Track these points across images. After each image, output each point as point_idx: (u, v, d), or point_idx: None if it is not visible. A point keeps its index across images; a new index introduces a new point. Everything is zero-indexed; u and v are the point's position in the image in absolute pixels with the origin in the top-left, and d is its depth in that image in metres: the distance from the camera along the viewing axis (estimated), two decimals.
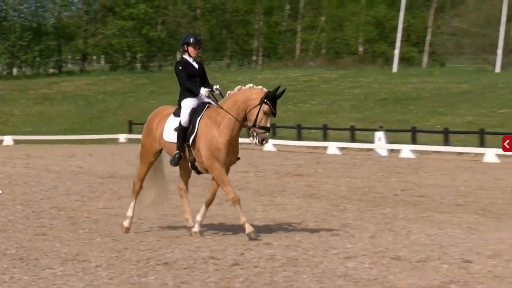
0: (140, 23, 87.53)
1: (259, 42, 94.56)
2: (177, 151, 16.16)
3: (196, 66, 16.53)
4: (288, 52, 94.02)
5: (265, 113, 15.66)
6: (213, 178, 16.16)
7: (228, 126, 15.85)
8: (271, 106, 15.66)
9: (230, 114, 15.80)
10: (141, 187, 17.12)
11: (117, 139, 56.31)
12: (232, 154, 16.01)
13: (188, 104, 16.20)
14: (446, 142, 43.15)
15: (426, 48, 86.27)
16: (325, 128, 49.74)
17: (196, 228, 16.26)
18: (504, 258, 13.85)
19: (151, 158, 16.86)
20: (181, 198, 16.86)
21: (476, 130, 43.70)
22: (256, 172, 31.37)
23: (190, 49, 16.53)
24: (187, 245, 15.38)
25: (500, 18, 64.46)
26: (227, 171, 16.07)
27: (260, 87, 15.98)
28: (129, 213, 17.03)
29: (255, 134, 15.72)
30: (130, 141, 54.92)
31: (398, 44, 71.38)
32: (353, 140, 47.45)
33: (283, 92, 15.84)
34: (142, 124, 51.02)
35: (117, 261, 14.00)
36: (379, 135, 44.29)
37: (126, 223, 16.96)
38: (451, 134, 43.96)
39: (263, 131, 15.69)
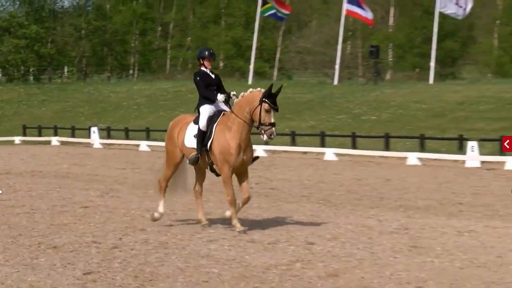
0: (33, 41, 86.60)
1: (135, 58, 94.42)
2: (196, 153, 15.40)
3: (213, 76, 15.83)
4: (160, 67, 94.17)
5: (266, 111, 14.93)
6: (241, 179, 15.33)
7: (238, 130, 15.12)
8: (270, 103, 14.92)
9: (239, 118, 15.09)
10: (166, 186, 16.23)
11: (13, 141, 55.30)
12: (245, 155, 15.19)
13: (206, 110, 15.45)
14: (293, 143, 43.60)
15: (276, 64, 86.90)
16: None
17: (235, 224, 15.13)
18: (341, 240, 14.03)
19: (175, 162, 15.96)
20: (196, 199, 16.10)
21: (318, 132, 44.31)
22: (133, 168, 31.18)
23: (206, 62, 15.82)
24: (73, 231, 15.21)
25: (338, 39, 65.29)
26: (243, 171, 15.30)
27: (259, 88, 15.33)
28: (161, 209, 16.02)
29: (263, 132, 15.04)
30: (24, 142, 54.18)
31: (252, 60, 71.71)
32: None
33: (280, 88, 15.11)
34: (35, 128, 49.22)
35: (12, 245, 13.78)
36: None
37: (156, 215, 16.02)
38: (297, 136, 44.46)
39: (268, 127, 14.97)
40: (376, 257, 12.47)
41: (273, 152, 42.00)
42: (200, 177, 16.18)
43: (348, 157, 38.37)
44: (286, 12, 67.79)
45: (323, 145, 41.78)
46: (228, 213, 15.53)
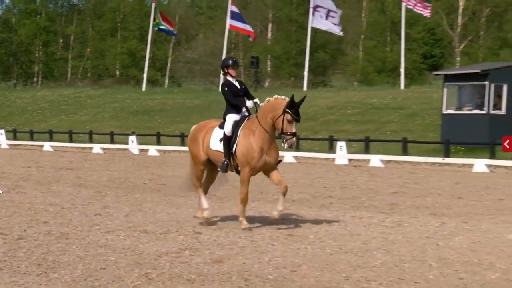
0: None
1: (39, 67, 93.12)
2: (224, 159, 14.44)
3: (238, 85, 14.79)
4: (62, 75, 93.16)
5: (288, 121, 13.95)
6: (271, 175, 14.38)
7: (260, 134, 14.14)
8: (292, 114, 13.95)
9: (260, 125, 14.13)
10: (201, 183, 15.17)
11: None
12: (268, 156, 14.20)
13: (231, 117, 14.49)
14: (183, 144, 43.51)
15: (167, 72, 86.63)
16: (91, 133, 49.24)
17: (275, 215, 14.36)
18: (225, 230, 14.02)
19: (200, 163, 14.96)
20: (198, 194, 15.20)
21: None
22: (37, 167, 30.61)
23: (230, 70, 14.80)
24: None
25: (222, 50, 65.43)
26: (271, 170, 14.28)
27: (283, 96, 14.26)
28: (205, 205, 14.91)
29: (284, 140, 14.03)
30: None
31: (146, 69, 71.31)
32: (112, 142, 47.15)
33: (303, 99, 14.12)
34: None
35: None
36: (132, 138, 44.27)
37: (206, 214, 14.81)
38: (186, 137, 44.36)
39: (290, 136, 13.99)
40: (256, 244, 12.50)
41: (165, 151, 41.88)
42: (209, 180, 15.30)
43: None
44: (171, 28, 68.34)
45: None
46: (275, 213, 14.38)
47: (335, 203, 18.50)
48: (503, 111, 35.80)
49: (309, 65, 61.31)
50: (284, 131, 14.00)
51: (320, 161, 35.42)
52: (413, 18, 67.72)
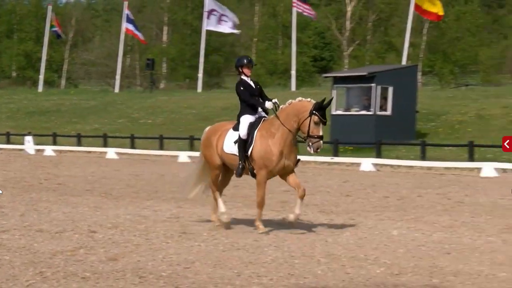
0: None
1: None
2: (239, 162, 13.59)
3: (253, 85, 13.95)
4: None
5: (315, 123, 13.11)
6: (289, 179, 13.58)
7: (282, 137, 13.28)
8: (320, 116, 13.14)
9: (284, 126, 13.27)
10: (217, 188, 14.27)
11: None
12: (288, 160, 13.38)
13: (246, 119, 13.64)
14: (79, 144, 42.96)
15: (64, 74, 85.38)
16: None
17: (291, 218, 13.55)
18: (120, 229, 13.88)
19: (215, 167, 14.09)
20: (215, 199, 14.35)
21: (101, 134, 43.92)
22: None
23: (245, 69, 13.89)
24: None
25: (118, 53, 64.81)
26: (289, 173, 13.51)
27: (309, 99, 13.48)
28: (222, 209, 14.10)
29: (310, 144, 13.16)
30: None
31: (42, 71, 70.17)
32: (8, 142, 46.22)
33: (330, 101, 13.40)
34: None
35: None
36: (28, 139, 43.46)
37: (225, 218, 14.07)
38: (83, 137, 43.88)
39: (316, 139, 13.14)
40: (150, 242, 12.42)
41: (61, 151, 41.27)
42: (223, 183, 14.50)
43: (128, 156, 38.21)
44: (60, 31, 68.48)
45: (105, 145, 41.46)
46: (291, 216, 13.56)
47: (228, 202, 18.44)
48: (388, 112, 36.51)
49: (204, 67, 61.31)
50: (311, 134, 13.15)
51: None
52: (304, 22, 68.45)
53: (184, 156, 36.17)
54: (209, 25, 58.16)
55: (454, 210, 16.88)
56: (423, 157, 31.54)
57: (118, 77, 64.58)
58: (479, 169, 28.06)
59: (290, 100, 13.51)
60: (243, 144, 13.51)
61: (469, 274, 10.01)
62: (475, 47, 69.04)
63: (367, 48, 74.85)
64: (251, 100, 13.74)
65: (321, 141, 13.21)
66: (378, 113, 36.31)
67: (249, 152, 13.44)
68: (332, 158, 33.30)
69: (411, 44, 55.73)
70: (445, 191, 21.33)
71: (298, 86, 58.28)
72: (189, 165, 32.71)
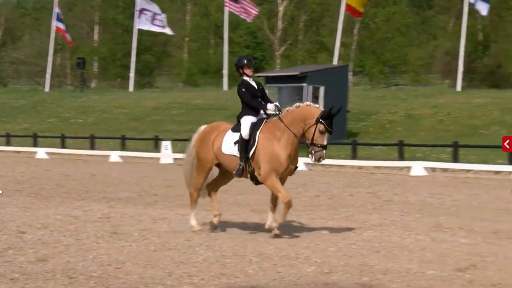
0: None
1: None
2: (240, 163, 13.10)
3: (255, 86, 13.44)
4: None
5: (321, 132, 12.67)
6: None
7: (288, 141, 12.82)
8: (326, 126, 12.65)
9: (290, 130, 12.82)
10: (198, 196, 13.91)
11: None
12: (292, 164, 13.05)
13: (248, 120, 13.16)
14: (8, 143, 42.39)
15: None
16: None
17: (276, 231, 12.98)
18: (50, 229, 13.73)
19: (207, 169, 13.64)
20: (212, 200, 13.95)
21: (30, 134, 43.39)
22: None
23: (246, 70, 13.38)
24: None
25: (48, 51, 64.04)
26: (283, 180, 13.19)
27: (317, 105, 13.07)
28: (194, 223, 13.68)
29: (312, 152, 12.77)
30: None
31: None
32: None
33: (339, 110, 12.75)
34: None
35: None
36: None
37: (194, 230, 13.56)
38: (12, 137, 43.30)
39: (319, 149, 12.74)
40: (81, 243, 12.31)
41: None
42: (220, 181, 14.06)
43: (58, 156, 37.81)
44: None
45: (35, 145, 40.96)
46: (274, 224, 13.07)
47: (160, 201, 18.47)
48: None
49: (136, 67, 60.94)
50: (315, 142, 12.75)
51: (146, 161, 35.26)
52: (236, 22, 68.46)
53: (115, 155, 35.94)
54: (140, 24, 57.82)
55: (384, 209, 17.07)
56: (354, 156, 31.83)
57: (48, 76, 63.78)
58: (408, 168, 28.42)
59: (297, 103, 13.10)
60: (245, 144, 13.07)
61: (398, 272, 10.13)
62: (404, 47, 69.90)
63: (299, 48, 75.22)
64: (253, 102, 13.27)
65: (324, 151, 12.85)
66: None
67: (251, 154, 13.01)
68: None
69: (342, 44, 56.18)
70: (375, 190, 21.55)
71: (230, 85, 58.29)
72: (120, 164, 32.51)
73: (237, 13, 54.76)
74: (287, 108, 13.05)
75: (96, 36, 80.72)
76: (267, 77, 39.42)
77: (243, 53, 75.21)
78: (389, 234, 13.36)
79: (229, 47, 59.06)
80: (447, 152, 30.93)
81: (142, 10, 57.39)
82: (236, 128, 13.29)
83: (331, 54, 52.62)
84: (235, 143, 13.18)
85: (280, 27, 75.07)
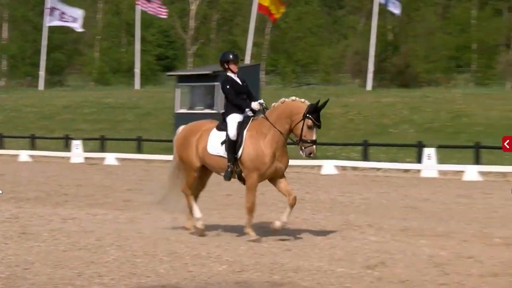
0: None
1: None
2: (228, 164, 12.58)
3: (240, 82, 12.91)
4: None
5: (309, 127, 12.24)
6: (279, 184, 12.73)
7: (273, 139, 12.40)
8: (314, 120, 12.23)
9: (275, 128, 12.40)
10: (192, 192, 13.22)
11: None
12: (280, 163, 12.54)
13: (234, 118, 12.64)
14: None
15: None
16: None
17: (277, 225, 12.66)
18: None
19: (194, 169, 13.06)
20: (190, 204, 13.28)
21: None
22: None
23: (231, 65, 12.89)
24: None
25: None
26: (280, 177, 12.68)
27: (303, 100, 12.49)
28: (198, 214, 13.08)
29: (302, 148, 12.35)
30: None
31: None
32: None
33: (325, 103, 12.29)
34: None
35: None
36: None
37: (199, 225, 13.06)
38: None
39: (309, 144, 12.30)
40: None
41: None
42: (200, 185, 13.47)
43: None
44: None
45: None
46: (277, 224, 12.66)
47: (70, 201, 18.24)
48: None
49: (46, 65, 60.05)
50: (304, 138, 12.34)
51: (56, 160, 34.82)
52: (148, 21, 68.04)
53: (24, 155, 35.38)
54: (51, 21, 57.02)
55: (296, 207, 17.09)
56: None
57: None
58: (319, 166, 28.68)
59: (283, 99, 12.66)
60: (233, 145, 12.55)
61: (309, 270, 10.21)
62: (315, 47, 70.57)
63: (211, 47, 75.22)
64: (236, 100, 12.77)
65: (314, 146, 12.43)
66: (222, 111, 36.51)
67: (239, 154, 12.53)
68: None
69: (255, 44, 56.40)
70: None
71: (142, 84, 57.97)
72: (30, 164, 32.03)
73: (149, 11, 54.45)
74: (273, 104, 12.67)
75: (5, 34, 79.25)
76: (179, 76, 39.34)
77: (155, 52, 74.99)
78: (300, 232, 13.45)
79: (141, 46, 58.75)
80: (357, 150, 31.33)
81: (52, 8, 56.62)
82: (222, 127, 12.79)
83: (243, 53, 52.73)
84: (222, 143, 12.68)
85: (192, 26, 74.96)
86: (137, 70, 56.72)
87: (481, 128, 36.60)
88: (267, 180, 12.87)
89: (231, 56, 13.03)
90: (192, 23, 74.89)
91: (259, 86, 39.43)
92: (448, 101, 42.21)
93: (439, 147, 28.65)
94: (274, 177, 12.70)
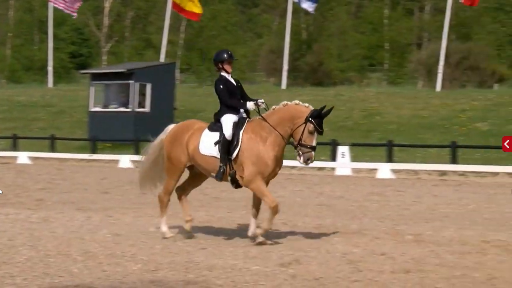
0: None
1: None
2: (220, 164, 12.08)
3: (234, 82, 12.40)
4: None
5: (310, 132, 11.86)
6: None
7: (275, 142, 11.99)
8: (316, 125, 11.87)
9: (277, 131, 11.97)
10: (169, 200, 12.83)
11: None
12: (277, 166, 12.22)
13: (229, 119, 12.15)
14: None
15: None
16: None
17: (260, 239, 12.10)
18: None
19: (179, 170, 12.64)
20: (182, 205, 12.92)
21: None
22: None
23: (226, 65, 12.32)
24: None
25: None
26: (267, 183, 12.23)
27: (306, 104, 12.12)
28: (164, 229, 12.69)
29: (300, 153, 11.96)
30: None
31: None
32: None
33: (330, 110, 11.97)
34: None
35: None
36: None
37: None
38: None
39: (308, 149, 11.92)
40: None
41: None
42: (191, 183, 13.11)
43: None
44: None
45: None
46: (258, 231, 12.21)
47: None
48: (147, 109, 36.66)
49: None
50: (303, 142, 11.95)
51: None
52: (61, 18, 67.14)
53: None
54: None
55: (212, 206, 17.20)
56: None
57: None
58: None
59: (285, 102, 12.29)
60: (227, 146, 12.12)
61: (223, 268, 10.23)
62: (230, 45, 70.60)
63: (126, 45, 74.67)
64: (230, 101, 12.29)
65: (313, 152, 12.05)
66: (137, 109, 36.40)
67: (234, 155, 12.10)
68: (90, 156, 33.03)
69: (169, 42, 56.10)
70: (202, 186, 21.48)
71: (55, 82, 57.17)
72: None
73: (61, 8, 53.71)
74: (273, 107, 12.26)
75: None
76: (93, 74, 38.98)
77: (68, 49, 74.07)
78: (216, 231, 13.46)
79: (54, 44, 57.89)
80: None
81: None
82: (214, 127, 12.35)
83: (158, 51, 52.50)
84: (215, 143, 12.24)
85: (106, 23, 74.27)
86: (50, 68, 55.89)
87: (393, 126, 37.18)
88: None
89: (225, 56, 12.49)
90: (106, 21, 74.19)
91: (174, 84, 39.35)
92: (361, 100, 42.76)
93: (353, 145, 29.03)
94: (266, 181, 12.28)
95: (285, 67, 48.58)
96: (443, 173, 26.06)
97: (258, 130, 12.12)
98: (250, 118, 12.38)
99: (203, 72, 68.79)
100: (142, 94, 36.71)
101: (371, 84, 61.91)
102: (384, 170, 26.25)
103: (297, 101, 12.25)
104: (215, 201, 18.18)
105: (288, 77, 50.67)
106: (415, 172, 26.50)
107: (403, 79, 63.75)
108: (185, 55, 70.29)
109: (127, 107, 36.50)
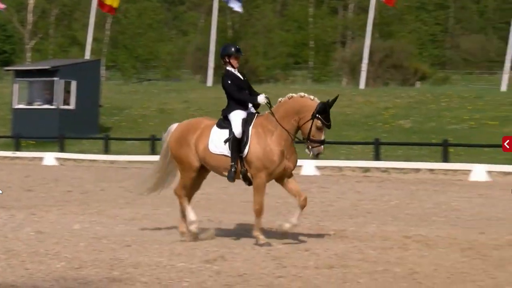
0: None
1: None
2: (232, 163, 11.72)
3: (241, 77, 12.00)
4: None
5: (318, 128, 11.52)
6: (288, 184, 11.89)
7: (281, 136, 11.63)
8: (323, 121, 11.51)
9: (281, 126, 11.62)
10: (185, 193, 12.32)
11: None
12: (289, 161, 11.75)
13: (238, 115, 11.77)
14: None
15: None
16: None
17: (286, 227, 11.92)
18: None
19: (193, 169, 12.15)
20: (183, 206, 12.43)
21: None
22: None
23: (232, 60, 11.93)
24: None
25: None
26: (289, 177, 11.85)
27: (312, 97, 11.68)
28: (192, 217, 12.23)
29: (310, 147, 11.60)
30: None
31: None
32: None
33: (334, 100, 11.64)
34: None
35: None
36: None
37: (193, 228, 12.22)
38: None
39: (317, 144, 11.56)
40: None
41: None
42: (194, 187, 12.58)
43: None
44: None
45: None
46: (286, 225, 11.92)
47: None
48: (72, 106, 36.30)
49: None
50: (312, 137, 11.61)
51: None
52: None
53: None
54: None
55: (136, 203, 17.10)
56: (107, 151, 31.69)
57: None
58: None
59: (290, 94, 11.86)
60: (238, 143, 11.75)
61: (149, 265, 10.19)
62: (156, 42, 70.36)
63: (50, 42, 73.75)
64: (239, 95, 11.94)
65: (322, 146, 11.75)
66: (62, 107, 36.02)
67: (245, 153, 11.74)
68: (14, 153, 32.56)
69: (95, 39, 55.55)
70: (127, 184, 21.52)
71: None
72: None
73: None
74: (280, 99, 11.91)
75: None
76: (16, 71, 38.45)
77: None
78: (140, 228, 13.40)
79: None
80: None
81: None
82: (223, 125, 11.98)
83: (83, 48, 51.97)
84: (225, 141, 11.86)
85: (30, 20, 73.21)
86: None
87: None
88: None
89: (233, 49, 12.10)
90: (30, 17, 73.13)
91: (99, 81, 39.02)
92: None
93: None
94: (282, 177, 11.96)
95: (211, 64, 48.53)
96: (366, 169, 26.32)
97: (265, 124, 11.80)
98: (259, 113, 12.07)
99: (128, 70, 68.37)
100: (67, 91, 36.34)
101: (296, 81, 62.27)
102: (309, 167, 26.41)
103: (302, 94, 11.89)
104: (140, 198, 18.05)
105: (214, 75, 50.64)
106: (340, 168, 26.71)
107: (327, 77, 64.26)
108: (111, 52, 69.71)
109: (51, 104, 36.07)
